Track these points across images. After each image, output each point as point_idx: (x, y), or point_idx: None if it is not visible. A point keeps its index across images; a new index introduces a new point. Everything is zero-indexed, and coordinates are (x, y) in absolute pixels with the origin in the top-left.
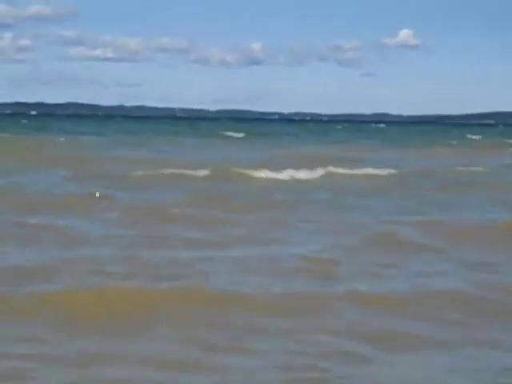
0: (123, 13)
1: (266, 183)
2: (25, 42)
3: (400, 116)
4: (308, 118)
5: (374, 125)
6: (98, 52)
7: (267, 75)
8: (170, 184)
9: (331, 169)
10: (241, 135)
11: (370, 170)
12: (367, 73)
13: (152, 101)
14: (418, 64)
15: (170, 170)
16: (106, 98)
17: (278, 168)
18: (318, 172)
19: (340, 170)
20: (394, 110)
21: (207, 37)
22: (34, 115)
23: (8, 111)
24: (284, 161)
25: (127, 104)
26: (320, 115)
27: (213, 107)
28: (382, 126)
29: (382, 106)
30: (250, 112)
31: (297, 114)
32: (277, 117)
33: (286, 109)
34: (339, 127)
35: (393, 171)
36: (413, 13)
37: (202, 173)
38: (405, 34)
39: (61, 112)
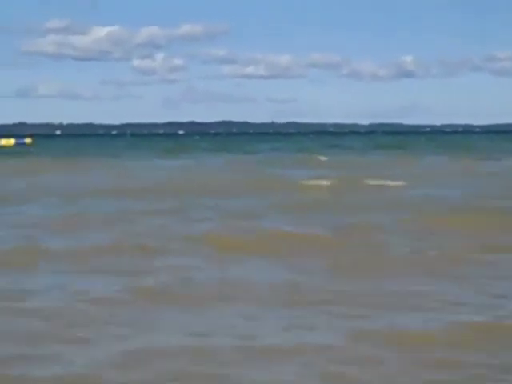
0: (274, 30)
1: None
2: (177, 61)
3: None
4: (460, 129)
5: None
6: (250, 69)
7: (419, 88)
8: None
9: None
10: None
11: None
12: None
13: (303, 116)
14: None
15: None
16: (257, 115)
17: None
18: None
19: None
20: None
21: (358, 51)
22: (181, 134)
23: (161, 131)
24: None
25: (279, 121)
26: (472, 126)
27: (364, 121)
28: None
29: None
30: (402, 125)
31: (449, 125)
32: (428, 129)
33: (438, 121)
34: None
35: None
36: None
37: None
38: None
39: (212, 130)
